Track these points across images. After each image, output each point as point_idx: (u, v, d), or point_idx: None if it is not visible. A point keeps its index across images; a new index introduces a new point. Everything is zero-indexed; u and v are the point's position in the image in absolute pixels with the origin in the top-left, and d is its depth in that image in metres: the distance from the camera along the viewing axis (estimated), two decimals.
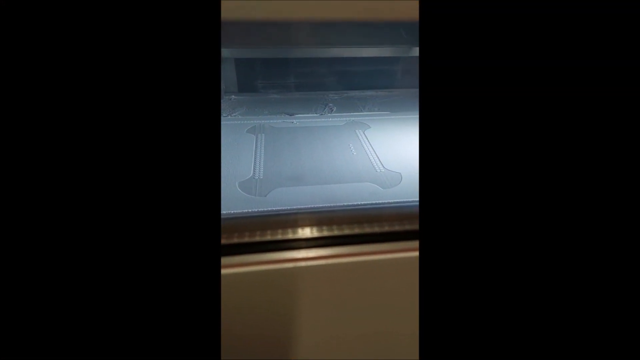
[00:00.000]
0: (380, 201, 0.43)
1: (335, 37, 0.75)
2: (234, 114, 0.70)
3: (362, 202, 0.43)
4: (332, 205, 0.41)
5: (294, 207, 0.40)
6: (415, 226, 0.34)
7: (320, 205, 0.40)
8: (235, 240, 0.31)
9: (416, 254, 0.32)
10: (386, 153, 0.56)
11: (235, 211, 0.39)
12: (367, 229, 0.33)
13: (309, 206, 0.40)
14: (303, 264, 0.30)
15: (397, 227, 0.34)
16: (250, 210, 0.39)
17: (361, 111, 0.72)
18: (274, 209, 0.40)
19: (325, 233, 0.32)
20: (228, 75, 0.77)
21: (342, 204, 0.41)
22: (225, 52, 0.73)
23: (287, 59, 0.78)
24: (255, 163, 0.53)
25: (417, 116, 0.70)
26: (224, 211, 0.38)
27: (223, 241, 0.31)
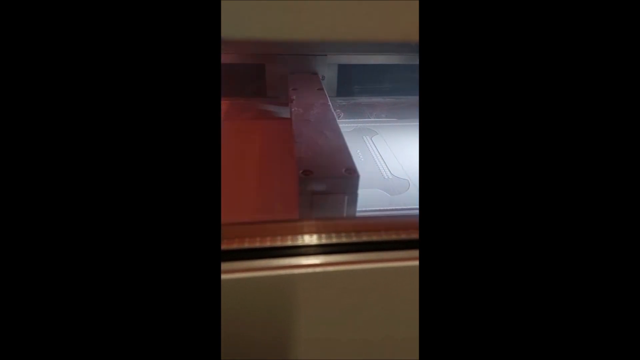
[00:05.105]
0: (388, 207, 0.44)
1: (343, 44, 0.76)
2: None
3: (370, 209, 0.44)
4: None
5: None
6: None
7: None
8: (235, 246, 0.31)
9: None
10: (394, 160, 0.57)
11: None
12: (375, 237, 0.34)
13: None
14: (306, 270, 0.30)
15: (404, 236, 0.34)
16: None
17: (369, 117, 0.73)
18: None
19: (335, 240, 0.32)
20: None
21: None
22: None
23: None
24: None
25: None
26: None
27: (222, 247, 0.31)
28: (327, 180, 0.38)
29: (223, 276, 0.29)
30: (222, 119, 0.70)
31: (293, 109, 0.54)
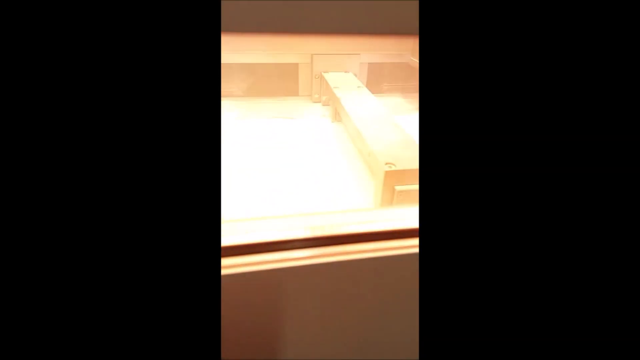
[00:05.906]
0: None
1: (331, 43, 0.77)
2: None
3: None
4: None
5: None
6: (411, 225, 0.36)
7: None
8: (229, 242, 0.32)
9: (414, 250, 0.33)
10: None
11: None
12: (363, 228, 0.35)
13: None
14: (299, 263, 0.31)
15: (394, 226, 0.36)
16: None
17: None
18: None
19: (327, 232, 0.33)
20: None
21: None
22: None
23: None
24: None
25: (410, 119, 0.73)
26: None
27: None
28: (411, 172, 0.38)
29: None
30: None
31: (346, 106, 0.55)
